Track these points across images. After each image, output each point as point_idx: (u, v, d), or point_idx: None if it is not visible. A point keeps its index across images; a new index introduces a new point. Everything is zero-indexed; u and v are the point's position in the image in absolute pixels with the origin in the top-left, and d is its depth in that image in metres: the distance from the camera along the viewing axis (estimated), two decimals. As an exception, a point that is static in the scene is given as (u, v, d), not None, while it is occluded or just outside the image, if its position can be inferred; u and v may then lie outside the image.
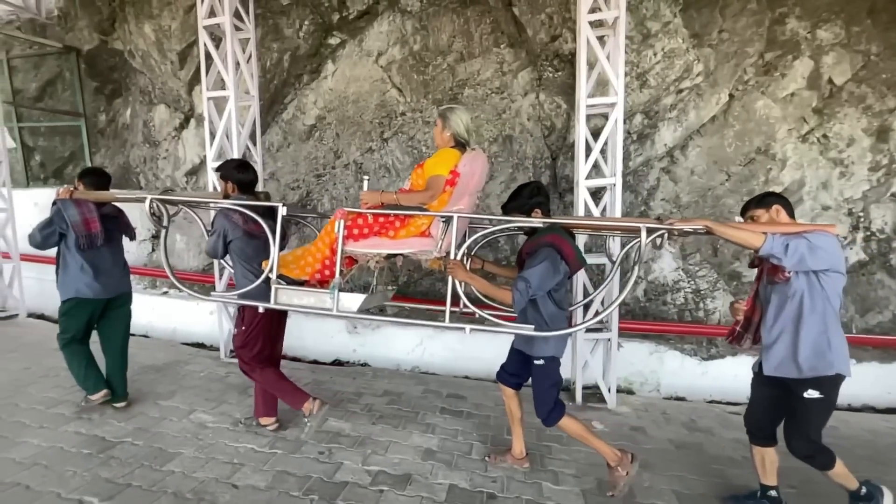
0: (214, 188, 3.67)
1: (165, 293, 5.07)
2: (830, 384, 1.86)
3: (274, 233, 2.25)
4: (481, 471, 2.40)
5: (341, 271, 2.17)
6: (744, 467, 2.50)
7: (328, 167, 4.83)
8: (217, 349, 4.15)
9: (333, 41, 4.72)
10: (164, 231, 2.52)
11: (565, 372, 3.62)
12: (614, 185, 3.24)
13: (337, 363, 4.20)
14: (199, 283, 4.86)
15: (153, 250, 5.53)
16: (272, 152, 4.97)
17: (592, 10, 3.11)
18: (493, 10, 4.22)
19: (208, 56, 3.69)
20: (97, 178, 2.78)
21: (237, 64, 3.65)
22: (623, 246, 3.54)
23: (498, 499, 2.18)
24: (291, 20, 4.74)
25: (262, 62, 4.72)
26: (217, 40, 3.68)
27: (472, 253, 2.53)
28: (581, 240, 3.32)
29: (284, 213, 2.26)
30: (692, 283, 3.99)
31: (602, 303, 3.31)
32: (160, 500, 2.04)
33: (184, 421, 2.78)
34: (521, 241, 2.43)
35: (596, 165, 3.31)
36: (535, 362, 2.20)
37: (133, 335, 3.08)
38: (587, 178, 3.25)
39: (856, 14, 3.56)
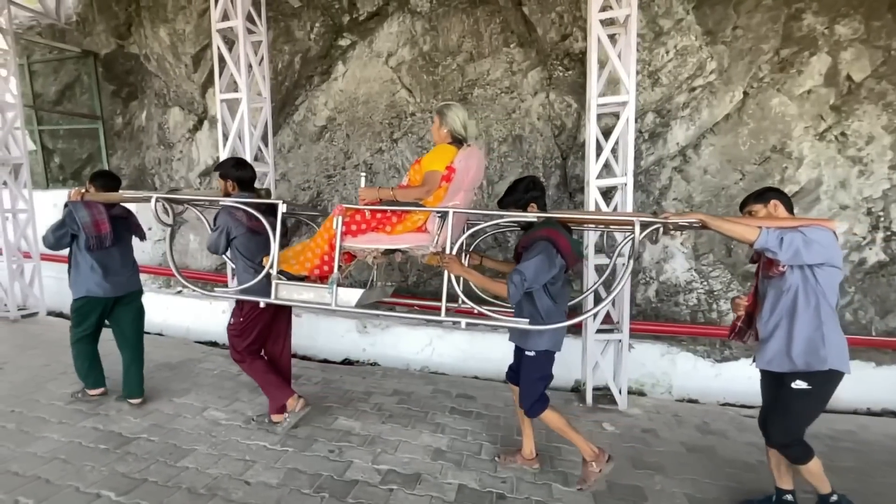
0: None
1: (179, 292, 5.15)
2: (822, 379, 1.83)
3: (274, 229, 2.31)
4: (491, 471, 2.40)
5: (340, 266, 2.21)
6: (759, 471, 2.45)
7: (338, 168, 4.87)
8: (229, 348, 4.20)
9: (343, 43, 4.76)
10: (170, 230, 2.60)
11: (575, 373, 3.64)
12: (625, 184, 3.21)
13: (347, 362, 4.23)
14: (213, 283, 4.95)
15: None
16: (283, 153, 5.02)
17: (603, 9, 3.09)
18: (502, 9, 4.21)
19: (221, 59, 3.75)
20: (107, 181, 2.86)
21: (249, 66, 3.70)
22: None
23: (507, 499, 2.17)
24: (302, 22, 4.79)
25: (274, 64, 4.78)
26: (230, 43, 3.73)
27: (472, 248, 2.54)
28: (592, 239, 3.30)
29: (284, 210, 2.32)
30: (705, 283, 3.93)
31: (613, 303, 3.29)
32: (175, 495, 2.08)
33: (197, 418, 2.83)
34: None
35: (607, 165, 3.29)
36: (527, 353, 2.21)
37: (148, 333, 3.15)
38: (598, 177, 3.23)
39: (876, 8, 3.48)
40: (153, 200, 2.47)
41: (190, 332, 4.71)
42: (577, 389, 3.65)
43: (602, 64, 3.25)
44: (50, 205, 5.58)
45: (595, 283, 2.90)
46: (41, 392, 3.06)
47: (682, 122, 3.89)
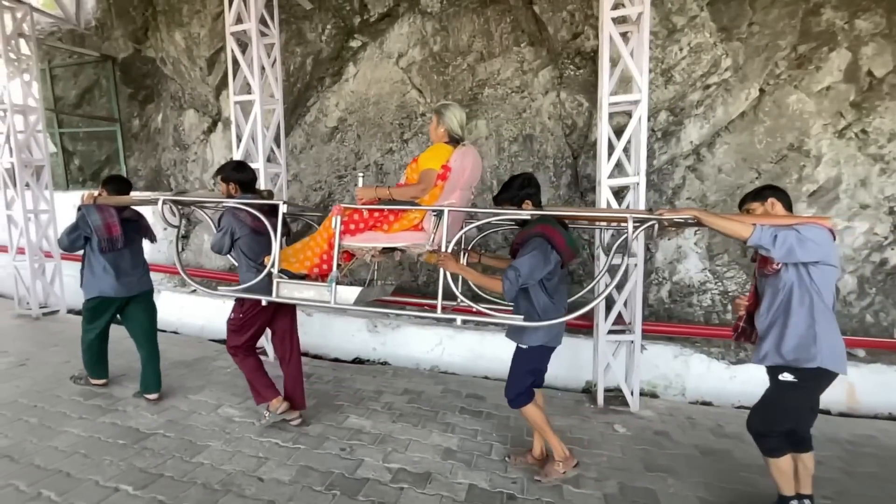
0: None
1: (193, 291, 5.24)
2: (810, 375, 1.81)
3: (276, 229, 2.35)
4: (501, 471, 2.40)
5: (339, 265, 2.25)
6: (775, 476, 2.41)
7: (349, 168, 4.91)
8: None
9: (355, 44, 4.80)
10: (176, 230, 2.68)
11: (587, 373, 3.62)
12: (637, 184, 3.17)
13: (357, 361, 4.26)
14: (227, 282, 5.02)
15: (183, 250, 5.73)
16: (295, 154, 5.08)
17: (615, 6, 3.05)
18: (513, 8, 4.19)
19: (235, 62, 3.80)
20: (119, 185, 2.95)
21: (262, 69, 3.75)
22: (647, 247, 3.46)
23: (518, 500, 2.17)
24: (314, 24, 4.84)
25: (286, 66, 4.84)
26: (243, 46, 3.78)
27: (469, 246, 2.55)
28: (604, 239, 3.26)
29: (285, 211, 2.38)
30: (720, 284, 3.87)
31: (625, 304, 3.26)
32: (190, 490, 2.12)
33: (212, 415, 2.88)
34: None
35: (619, 164, 3.25)
36: (520, 346, 2.22)
37: (164, 332, 3.23)
38: (610, 177, 3.19)
39: (898, 2, 3.38)
40: (160, 202, 2.55)
41: (204, 330, 4.79)
42: (589, 391, 3.62)
43: (614, 62, 3.21)
44: (70, 205, 5.68)
45: (607, 288, 2.86)
46: (62, 388, 3.15)
47: (696, 121, 3.83)
